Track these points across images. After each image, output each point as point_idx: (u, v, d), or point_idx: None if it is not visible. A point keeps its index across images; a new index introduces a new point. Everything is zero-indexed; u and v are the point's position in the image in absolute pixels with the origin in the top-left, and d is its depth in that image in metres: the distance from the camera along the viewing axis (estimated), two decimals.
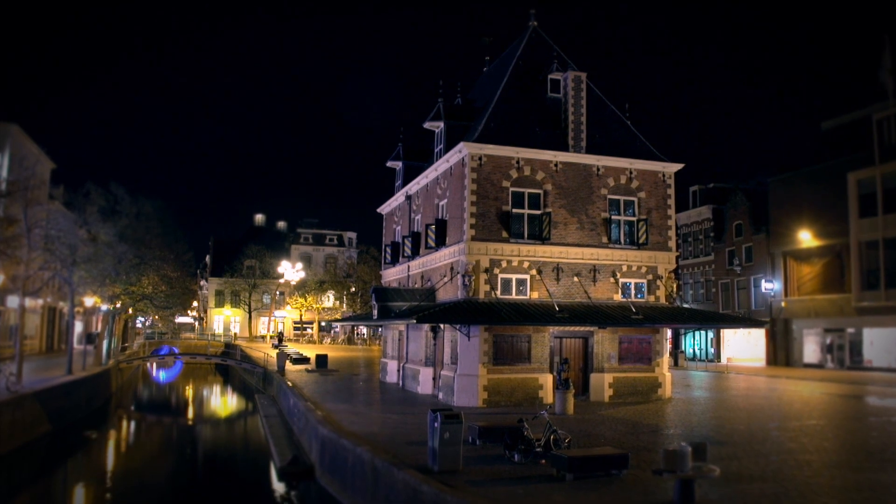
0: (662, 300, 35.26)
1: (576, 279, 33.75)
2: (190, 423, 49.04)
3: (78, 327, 65.52)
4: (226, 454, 37.82)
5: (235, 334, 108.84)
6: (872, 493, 15.75)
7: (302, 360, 57.37)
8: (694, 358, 68.75)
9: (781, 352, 59.40)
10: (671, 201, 36.22)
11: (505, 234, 32.82)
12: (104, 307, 53.68)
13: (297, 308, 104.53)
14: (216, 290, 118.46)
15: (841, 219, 52.65)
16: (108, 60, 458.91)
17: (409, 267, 41.56)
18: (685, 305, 62.45)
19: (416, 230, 41.00)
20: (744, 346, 63.73)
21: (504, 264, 32.71)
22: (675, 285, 36.42)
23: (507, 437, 19.35)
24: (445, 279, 34.90)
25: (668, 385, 35.07)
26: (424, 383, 37.06)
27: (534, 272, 33.12)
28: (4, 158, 52.37)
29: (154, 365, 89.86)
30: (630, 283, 35.00)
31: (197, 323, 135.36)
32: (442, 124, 37.95)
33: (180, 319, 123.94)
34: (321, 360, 53.99)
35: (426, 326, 36.85)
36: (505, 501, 14.90)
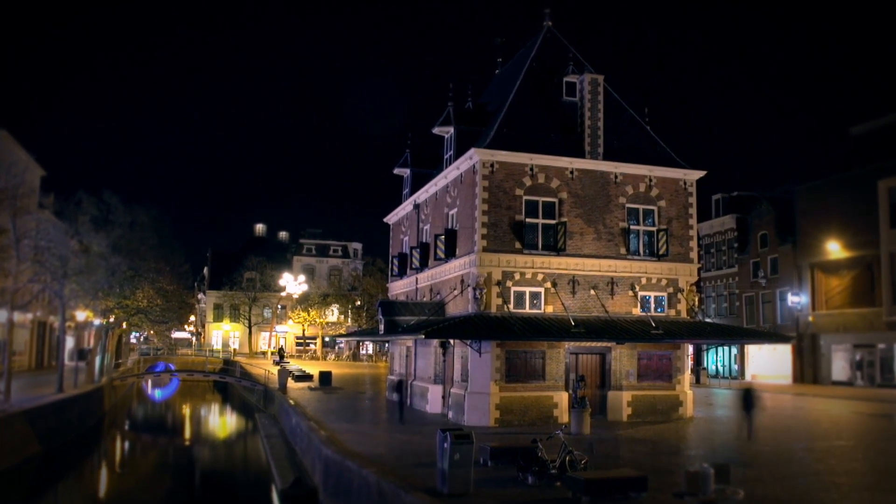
0: (684, 314, 35.22)
1: (592, 292, 33.74)
2: (187, 443, 49.13)
3: (69, 343, 65.62)
4: (225, 476, 37.87)
5: (235, 350, 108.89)
6: None
7: (305, 377, 57.42)
8: (717, 375, 68.49)
9: (809, 369, 59.14)
10: (693, 210, 36.21)
11: (518, 245, 32.86)
12: (97, 322, 53.79)
13: (299, 323, 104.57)
14: (214, 303, 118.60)
15: (871, 229, 52.47)
16: (101, 63, 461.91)
17: (417, 279, 41.62)
18: (707, 320, 62.25)
19: (424, 241, 41.05)
20: (769, 363, 63.45)
21: (517, 276, 32.73)
22: (696, 299, 36.38)
23: (520, 459, 19.33)
24: (455, 292, 34.94)
25: (689, 403, 34.99)
26: (433, 401, 37.04)
27: (548, 285, 33.14)
28: None
29: (149, 382, 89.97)
30: (650, 297, 34.98)
31: (194, 338, 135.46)
32: (452, 129, 38.03)
33: (177, 335, 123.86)
34: (325, 377, 54.01)
35: (435, 342, 36.87)
36: None
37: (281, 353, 70.29)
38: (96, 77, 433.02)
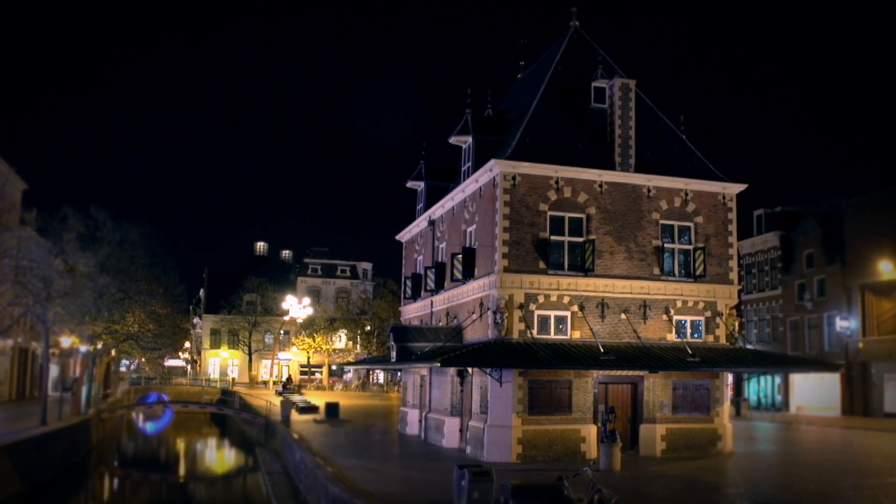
0: (722, 340, 35.07)
1: (623, 316, 33.65)
2: (181, 480, 49.17)
3: (53, 371, 65.88)
4: None
5: (234, 379, 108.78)
6: None
7: (310, 408, 57.47)
8: (758, 406, 68.20)
9: (859, 399, 58.75)
10: (733, 227, 36.11)
11: (542, 265, 32.82)
12: (83, 348, 53.98)
13: (303, 349, 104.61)
14: (211, 328, 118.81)
15: None
16: (89, 69, 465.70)
17: (432, 302, 41.62)
18: (748, 346, 62.03)
19: (440, 260, 41.08)
20: (816, 393, 63.07)
21: (541, 299, 32.69)
22: (736, 323, 36.27)
23: (544, 497, 19.29)
24: (474, 316, 34.91)
25: (728, 437, 34.79)
26: (450, 435, 36.98)
27: (575, 308, 33.07)
28: None
29: (140, 414, 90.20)
30: (685, 321, 34.86)
31: (189, 366, 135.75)
32: (470, 139, 38.10)
33: (170, 362, 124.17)
34: (332, 408, 54.05)
35: (452, 371, 36.83)
36: None
37: (287, 382, 70.33)
38: (83, 84, 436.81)
